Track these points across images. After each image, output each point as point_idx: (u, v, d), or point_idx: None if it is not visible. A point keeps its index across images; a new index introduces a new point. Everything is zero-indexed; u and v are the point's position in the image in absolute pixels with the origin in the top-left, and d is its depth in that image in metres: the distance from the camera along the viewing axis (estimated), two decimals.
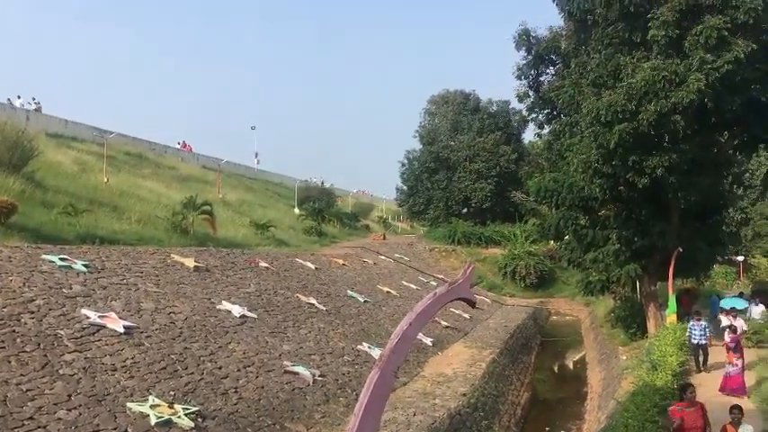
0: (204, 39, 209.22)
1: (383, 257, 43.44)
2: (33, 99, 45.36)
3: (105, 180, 33.11)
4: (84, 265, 17.25)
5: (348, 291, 28.84)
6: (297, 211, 53.92)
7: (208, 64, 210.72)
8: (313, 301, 24.18)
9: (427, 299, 7.16)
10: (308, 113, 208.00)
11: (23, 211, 20.33)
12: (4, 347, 11.51)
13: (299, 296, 24.04)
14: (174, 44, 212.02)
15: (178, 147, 61.39)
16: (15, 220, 19.41)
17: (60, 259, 16.97)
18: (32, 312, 13.28)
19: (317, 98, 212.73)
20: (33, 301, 13.83)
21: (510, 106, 67.67)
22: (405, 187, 70.24)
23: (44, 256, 16.76)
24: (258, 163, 75.83)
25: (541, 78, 29.11)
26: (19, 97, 43.80)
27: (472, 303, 7.90)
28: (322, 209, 50.48)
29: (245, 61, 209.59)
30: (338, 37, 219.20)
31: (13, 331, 12.19)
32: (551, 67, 29.01)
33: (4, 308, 12.94)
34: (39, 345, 12.12)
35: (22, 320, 12.76)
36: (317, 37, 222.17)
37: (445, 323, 29.47)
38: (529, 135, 69.09)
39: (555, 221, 27.47)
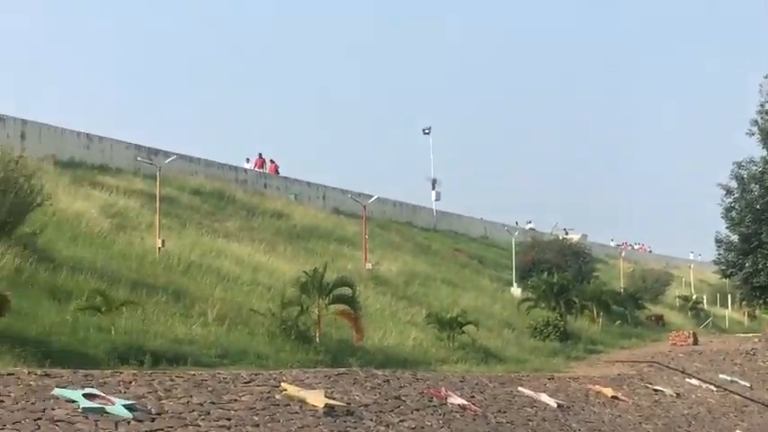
0: None
1: (694, 381, 26.75)
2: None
3: (159, 244, 21.41)
4: (127, 407, 10.74)
5: None
6: (516, 290, 34.38)
7: None
8: None
9: None
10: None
11: (20, 308, 12.71)
12: None
13: None
14: None
15: (250, 166, 39.88)
16: (7, 324, 11.93)
17: (85, 396, 10.64)
18: None
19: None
20: None
21: None
22: (734, 236, 36.18)
23: (57, 391, 10.57)
24: (437, 199, 48.83)
25: None
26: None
27: None
28: (566, 284, 30.90)
29: None
30: None
31: None
32: None
33: None
34: None
35: None
36: None
37: None
38: None
39: None
